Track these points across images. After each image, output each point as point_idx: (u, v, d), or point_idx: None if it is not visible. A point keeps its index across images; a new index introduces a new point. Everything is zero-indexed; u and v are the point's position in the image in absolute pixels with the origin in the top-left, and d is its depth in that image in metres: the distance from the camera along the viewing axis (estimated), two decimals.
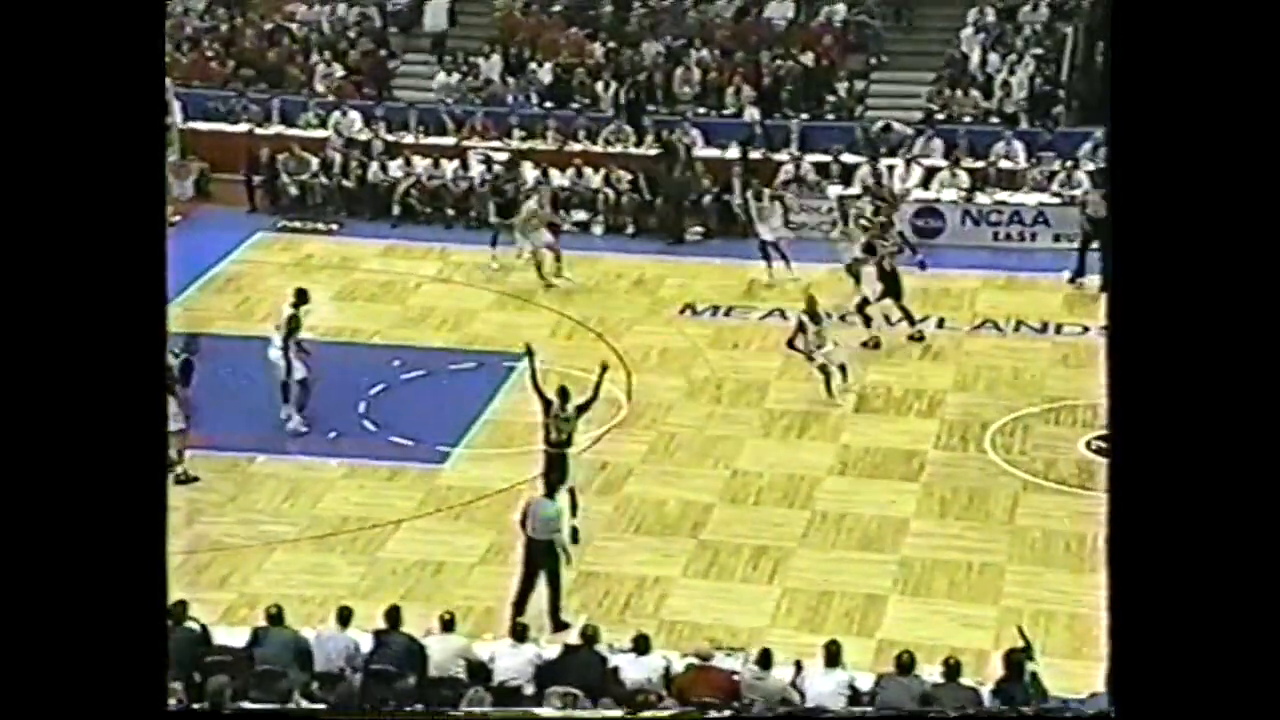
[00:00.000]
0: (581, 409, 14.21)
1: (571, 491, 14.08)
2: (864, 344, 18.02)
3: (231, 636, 12.03)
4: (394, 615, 11.90)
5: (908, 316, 18.48)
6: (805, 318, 16.94)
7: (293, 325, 16.01)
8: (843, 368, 16.98)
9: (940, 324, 18.89)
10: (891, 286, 18.30)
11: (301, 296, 16.24)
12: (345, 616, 11.89)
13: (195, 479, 15.04)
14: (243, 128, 23.28)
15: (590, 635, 11.69)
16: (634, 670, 11.43)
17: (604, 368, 14.62)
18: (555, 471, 14.02)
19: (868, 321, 18.22)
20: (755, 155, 22.23)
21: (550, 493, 13.52)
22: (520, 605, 12.83)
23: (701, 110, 23.51)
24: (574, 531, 13.91)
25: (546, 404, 14.16)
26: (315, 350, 16.51)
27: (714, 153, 22.47)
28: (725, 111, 23.64)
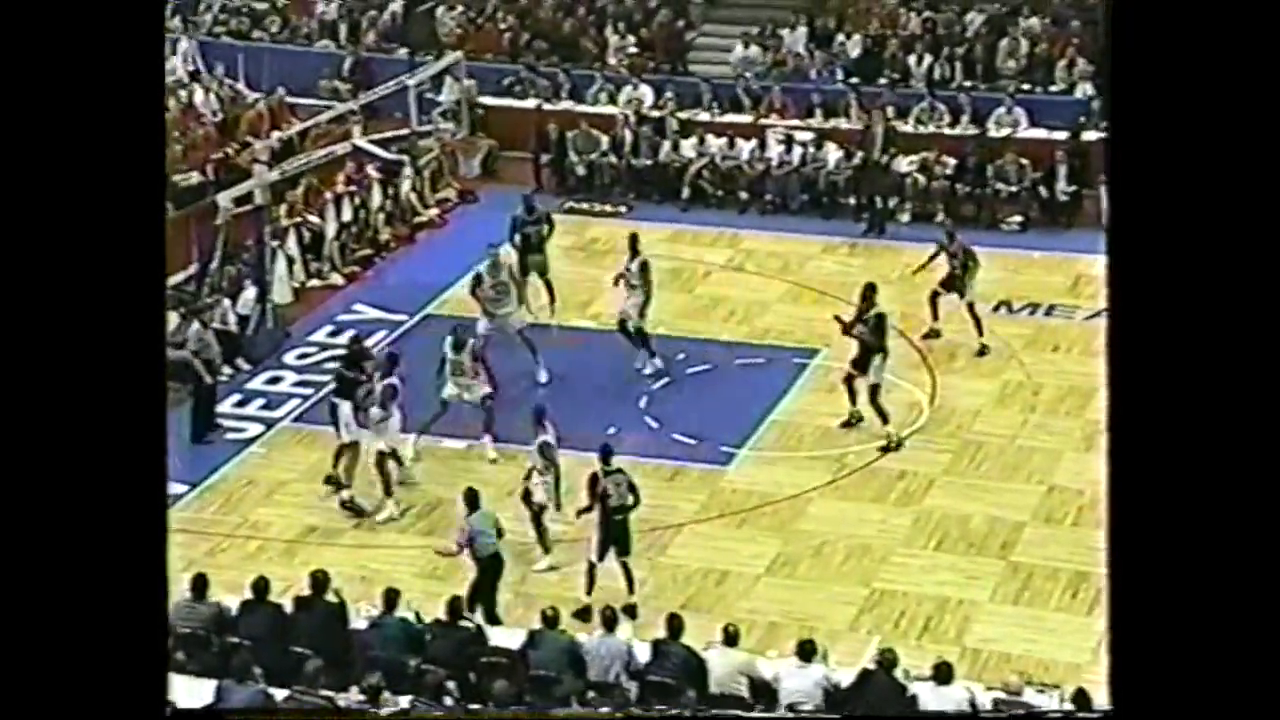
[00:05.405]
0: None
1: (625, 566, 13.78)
2: None
3: (508, 638, 12.30)
4: (675, 624, 12.09)
5: None
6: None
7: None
8: None
9: None
10: None
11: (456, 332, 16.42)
12: (611, 621, 12.15)
13: (361, 510, 15.10)
14: (531, 103, 23.90)
15: (889, 661, 11.60)
16: (935, 701, 11.28)
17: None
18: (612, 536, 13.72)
19: None
20: (1089, 136, 21.56)
21: (601, 554, 13.57)
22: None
23: (1026, 87, 23.16)
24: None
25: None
26: (595, 340, 16.80)
27: (1039, 133, 22.07)
28: (1053, 88, 23.24)
